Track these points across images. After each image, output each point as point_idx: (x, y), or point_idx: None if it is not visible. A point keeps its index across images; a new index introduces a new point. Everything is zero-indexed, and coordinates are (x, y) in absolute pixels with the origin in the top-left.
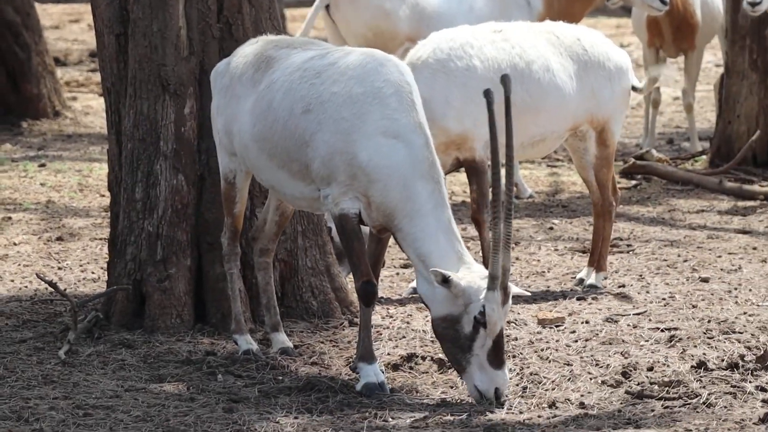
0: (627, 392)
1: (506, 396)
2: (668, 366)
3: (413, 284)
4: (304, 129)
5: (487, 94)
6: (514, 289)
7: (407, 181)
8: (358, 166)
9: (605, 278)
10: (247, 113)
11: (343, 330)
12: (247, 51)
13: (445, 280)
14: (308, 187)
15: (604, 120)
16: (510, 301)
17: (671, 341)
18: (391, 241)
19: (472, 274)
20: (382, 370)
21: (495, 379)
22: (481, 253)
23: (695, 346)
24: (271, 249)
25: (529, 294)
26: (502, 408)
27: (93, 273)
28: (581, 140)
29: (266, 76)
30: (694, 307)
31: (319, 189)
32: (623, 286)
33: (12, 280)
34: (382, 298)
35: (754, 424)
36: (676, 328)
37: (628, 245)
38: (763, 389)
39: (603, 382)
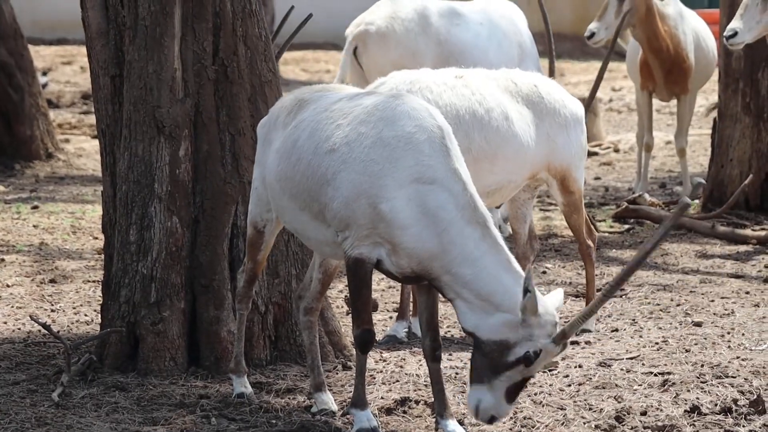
0: None
1: (499, 424)
2: (662, 410)
3: (389, 331)
4: (327, 168)
5: None
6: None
7: (451, 226)
8: (382, 211)
9: (597, 321)
10: (273, 153)
11: (337, 374)
12: (286, 99)
13: (532, 308)
14: (329, 230)
15: (563, 167)
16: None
17: (665, 385)
18: (384, 285)
19: (547, 318)
20: (375, 415)
21: (499, 408)
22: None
23: (689, 391)
24: (315, 308)
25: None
26: (490, 424)
27: (86, 315)
28: (524, 191)
29: (297, 118)
30: (687, 351)
31: (338, 233)
32: (616, 330)
33: (5, 322)
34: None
35: None
36: (669, 373)
37: (621, 289)
38: None
39: (596, 427)
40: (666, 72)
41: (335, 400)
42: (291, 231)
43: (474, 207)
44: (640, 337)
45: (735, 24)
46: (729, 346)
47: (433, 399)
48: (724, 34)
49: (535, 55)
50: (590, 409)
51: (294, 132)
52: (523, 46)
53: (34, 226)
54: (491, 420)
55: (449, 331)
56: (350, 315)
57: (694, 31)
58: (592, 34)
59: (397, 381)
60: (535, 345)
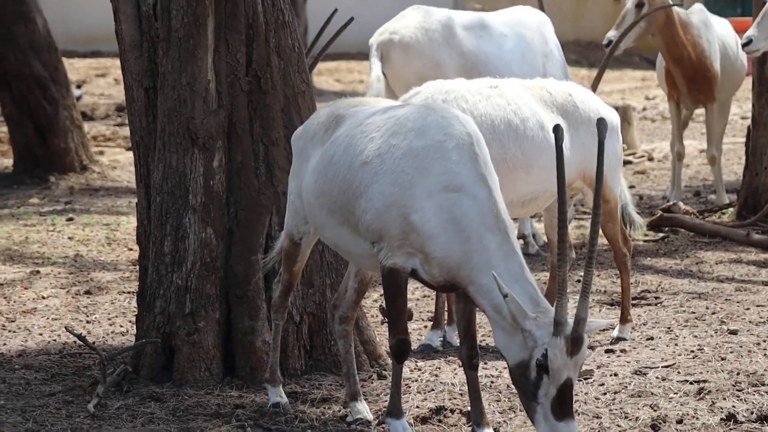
0: None
1: None
2: (697, 419)
3: (424, 340)
4: (360, 181)
5: (557, 130)
6: (603, 323)
7: (473, 233)
8: (413, 222)
9: (632, 329)
10: (310, 170)
11: (372, 383)
12: (321, 113)
13: (521, 314)
14: (368, 243)
15: None
16: (583, 352)
17: (700, 394)
18: (419, 294)
19: (545, 320)
20: (410, 424)
21: (557, 431)
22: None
23: (724, 399)
24: (351, 317)
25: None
26: None
27: (121, 326)
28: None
29: (334, 134)
30: (722, 359)
31: (373, 244)
32: (651, 338)
33: (41, 334)
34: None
35: None
36: (705, 381)
37: (656, 297)
38: None
39: None
40: (689, 81)
41: (370, 409)
42: (331, 246)
43: (496, 214)
44: (676, 345)
45: (751, 32)
46: (765, 354)
47: (468, 408)
48: (741, 41)
49: (561, 63)
50: (626, 417)
51: (330, 148)
52: (549, 56)
53: (69, 238)
54: None
55: (484, 340)
56: (385, 324)
57: (721, 39)
58: (610, 42)
59: (432, 390)
60: (541, 350)
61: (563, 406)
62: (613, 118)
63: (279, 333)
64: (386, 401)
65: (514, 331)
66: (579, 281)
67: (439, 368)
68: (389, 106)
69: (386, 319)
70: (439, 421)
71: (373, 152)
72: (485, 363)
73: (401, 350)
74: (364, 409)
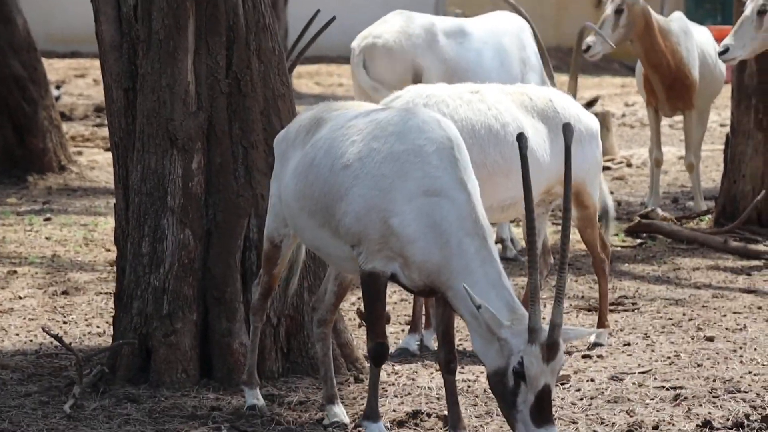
0: None
1: None
2: (674, 425)
3: (401, 344)
4: (341, 184)
5: (520, 138)
6: (583, 332)
7: (451, 238)
8: (392, 225)
9: (609, 335)
10: (290, 173)
11: (349, 386)
12: (304, 116)
13: (496, 324)
14: (348, 246)
15: (578, 182)
16: (559, 358)
17: (676, 400)
18: (397, 297)
19: (520, 327)
20: (387, 427)
21: None
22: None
23: (701, 405)
24: (329, 320)
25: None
26: None
27: (98, 327)
28: (539, 205)
29: (314, 137)
30: (699, 366)
31: (353, 247)
32: (628, 344)
33: (17, 334)
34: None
35: None
36: (681, 387)
37: (633, 303)
38: None
39: None
40: (667, 87)
41: (347, 412)
42: (311, 249)
43: (475, 219)
44: (652, 351)
45: (727, 40)
46: (741, 361)
47: (445, 412)
48: (717, 49)
49: (539, 69)
50: (602, 423)
51: (311, 151)
52: (526, 61)
53: (46, 238)
54: None
55: (461, 344)
56: (363, 328)
57: (700, 47)
58: (588, 48)
59: (409, 394)
60: (517, 357)
61: (542, 412)
62: (593, 125)
63: (257, 335)
64: (363, 404)
65: (491, 338)
66: None
67: (417, 372)
68: (371, 109)
69: (364, 323)
70: (416, 425)
71: (354, 155)
72: (462, 367)
73: (379, 354)
74: (341, 412)
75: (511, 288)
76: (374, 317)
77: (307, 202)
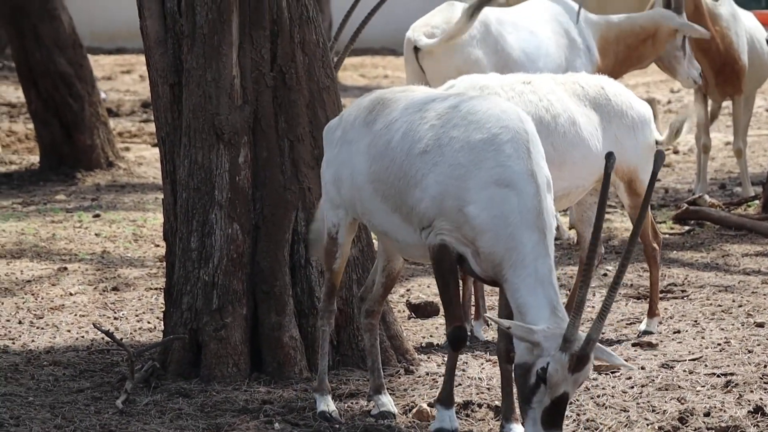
0: None
1: None
2: (725, 411)
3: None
4: (418, 169)
5: (609, 157)
6: (616, 360)
7: (514, 230)
8: (468, 214)
9: (659, 323)
10: (362, 154)
11: (399, 378)
12: (360, 100)
13: (528, 335)
14: (418, 233)
15: (630, 170)
16: (586, 371)
17: (727, 386)
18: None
19: (556, 330)
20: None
21: None
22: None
23: (752, 392)
24: (377, 311)
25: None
26: None
27: (149, 323)
28: (591, 194)
29: (382, 116)
30: (749, 352)
31: (423, 229)
32: (678, 332)
33: (69, 330)
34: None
35: None
36: (732, 374)
37: (683, 291)
38: None
39: (660, 428)
40: (716, 72)
41: (397, 404)
42: (379, 233)
43: (539, 212)
44: (703, 338)
45: None
46: None
47: (496, 402)
48: (766, 36)
49: (584, 51)
50: (653, 410)
51: (386, 132)
52: (572, 46)
53: (96, 234)
54: None
55: None
56: (412, 320)
57: (749, 32)
58: None
59: (460, 384)
60: (544, 361)
61: (553, 417)
62: (645, 111)
63: (326, 340)
64: (414, 396)
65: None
66: (605, 275)
67: (467, 363)
68: (447, 94)
69: (413, 315)
70: (467, 415)
71: (433, 141)
72: None
73: (458, 338)
74: (388, 402)
75: (557, 287)
76: (449, 297)
77: (382, 185)
